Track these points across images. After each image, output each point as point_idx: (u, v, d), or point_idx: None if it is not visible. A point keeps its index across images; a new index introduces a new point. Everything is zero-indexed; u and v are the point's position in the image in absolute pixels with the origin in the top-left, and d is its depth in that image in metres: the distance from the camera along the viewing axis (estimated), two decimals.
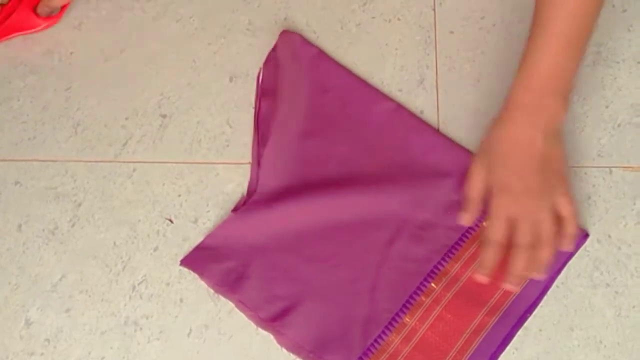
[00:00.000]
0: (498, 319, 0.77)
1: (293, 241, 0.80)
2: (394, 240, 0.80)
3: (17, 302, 0.78)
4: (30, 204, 0.82)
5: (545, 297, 0.78)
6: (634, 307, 0.78)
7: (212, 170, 0.83)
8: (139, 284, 0.79)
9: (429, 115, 0.85)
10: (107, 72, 0.87)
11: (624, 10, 0.89)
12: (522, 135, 0.75)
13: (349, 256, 0.79)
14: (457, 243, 0.80)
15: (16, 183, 0.83)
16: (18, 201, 0.82)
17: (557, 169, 0.76)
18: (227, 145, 0.84)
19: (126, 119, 0.85)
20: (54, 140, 0.84)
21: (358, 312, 0.77)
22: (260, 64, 0.87)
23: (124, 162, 0.83)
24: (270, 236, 0.80)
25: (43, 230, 0.81)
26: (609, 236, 0.80)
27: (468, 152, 0.83)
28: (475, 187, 0.78)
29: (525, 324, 0.77)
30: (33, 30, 0.88)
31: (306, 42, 0.87)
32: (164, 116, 0.85)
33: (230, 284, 0.78)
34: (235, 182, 0.83)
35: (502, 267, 0.78)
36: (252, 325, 0.77)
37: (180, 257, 0.80)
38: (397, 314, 0.77)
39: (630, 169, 0.83)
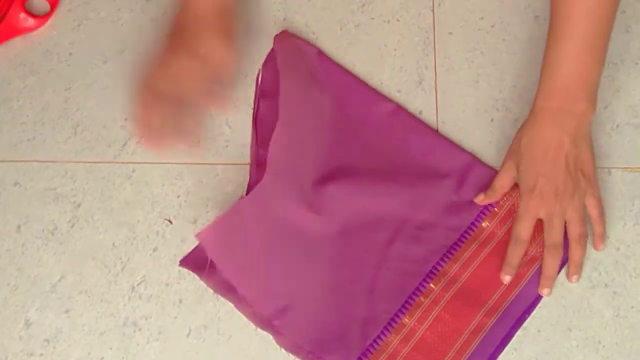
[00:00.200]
0: (497, 320, 0.77)
1: (292, 241, 0.80)
2: (393, 241, 0.80)
3: (16, 302, 0.78)
4: (29, 205, 0.82)
5: (543, 298, 0.78)
6: (632, 307, 0.78)
7: (211, 171, 0.83)
8: (138, 285, 0.79)
9: (428, 116, 0.85)
10: (106, 73, 0.87)
11: (623, 12, 0.89)
12: (549, 138, 0.76)
13: (348, 256, 0.79)
14: (456, 244, 0.80)
15: (15, 184, 0.83)
16: (17, 202, 0.82)
17: (586, 171, 0.77)
18: (227, 146, 0.84)
19: (125, 119, 0.85)
20: (54, 141, 0.84)
21: (357, 312, 0.77)
22: (259, 65, 0.87)
23: (123, 162, 0.83)
24: (270, 236, 0.80)
25: (42, 231, 0.81)
26: (608, 237, 0.80)
27: (467, 153, 0.83)
28: (502, 182, 0.79)
29: (524, 325, 0.77)
30: (29, 30, 0.88)
31: (305, 43, 0.87)
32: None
33: (229, 284, 0.78)
34: (234, 183, 0.83)
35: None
36: (251, 325, 0.77)
37: (180, 258, 0.80)
38: (396, 315, 0.77)
39: (629, 169, 0.83)
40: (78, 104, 0.86)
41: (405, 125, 0.84)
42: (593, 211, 0.78)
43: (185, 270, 0.79)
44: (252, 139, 0.84)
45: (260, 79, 0.86)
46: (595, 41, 0.74)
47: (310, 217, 0.80)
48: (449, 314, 0.77)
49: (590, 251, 0.79)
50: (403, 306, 0.78)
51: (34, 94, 0.86)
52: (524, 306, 0.78)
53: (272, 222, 0.80)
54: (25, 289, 0.79)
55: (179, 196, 0.82)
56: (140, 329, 0.78)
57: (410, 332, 0.77)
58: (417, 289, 0.78)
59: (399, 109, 0.85)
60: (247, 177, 0.83)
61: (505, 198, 0.80)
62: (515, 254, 0.77)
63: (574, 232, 0.77)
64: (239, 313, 0.78)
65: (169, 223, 0.81)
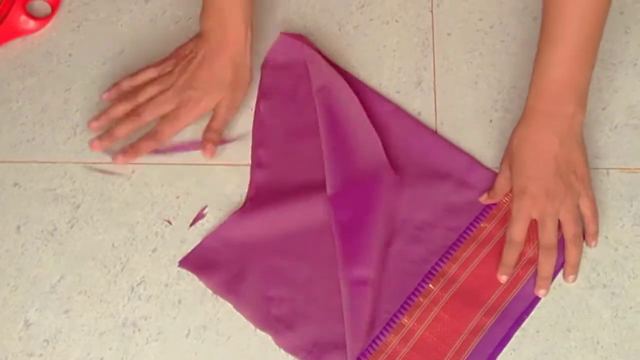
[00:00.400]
0: (495, 320, 0.77)
1: (291, 242, 0.80)
2: (393, 241, 0.80)
3: (16, 303, 0.79)
4: (29, 206, 0.82)
5: (542, 298, 0.78)
6: (630, 308, 0.78)
7: (210, 171, 0.83)
8: (137, 285, 0.79)
9: (427, 116, 0.85)
10: (105, 73, 0.87)
11: (621, 13, 0.89)
12: (539, 140, 0.77)
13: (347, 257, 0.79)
14: (454, 244, 0.80)
15: (15, 184, 0.83)
16: (17, 203, 0.82)
17: (578, 172, 0.77)
18: (226, 147, 0.84)
19: None
20: (53, 142, 0.85)
21: None
22: (258, 67, 0.87)
23: (122, 163, 0.83)
24: (269, 237, 0.80)
25: (42, 231, 0.81)
26: (606, 237, 0.80)
27: (466, 154, 0.83)
28: (501, 183, 0.80)
29: (523, 325, 0.77)
30: (29, 32, 0.88)
31: (305, 44, 0.87)
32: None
33: (228, 284, 0.78)
34: (233, 184, 0.83)
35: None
36: (251, 326, 0.78)
37: (179, 259, 0.80)
38: (395, 315, 0.77)
39: (627, 170, 0.83)
40: (77, 105, 0.86)
41: (404, 127, 0.84)
42: (586, 211, 0.78)
43: (184, 271, 0.79)
44: (252, 139, 0.84)
45: (259, 79, 0.87)
46: (585, 45, 0.74)
47: (308, 219, 0.80)
48: (448, 314, 0.77)
49: (589, 252, 0.80)
50: (402, 306, 0.78)
51: (34, 95, 0.87)
52: (522, 306, 0.78)
53: (268, 226, 0.80)
54: (25, 290, 0.79)
55: (178, 197, 0.82)
56: (139, 330, 0.78)
57: (409, 333, 0.77)
58: (416, 289, 0.78)
59: (398, 110, 0.85)
60: (247, 178, 0.83)
61: (504, 199, 0.81)
62: (510, 256, 0.78)
63: (568, 232, 0.77)
64: (238, 314, 0.78)
65: (168, 224, 0.81)
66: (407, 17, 0.90)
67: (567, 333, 0.77)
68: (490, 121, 0.85)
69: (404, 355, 0.76)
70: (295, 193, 0.81)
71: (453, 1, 0.90)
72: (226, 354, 0.77)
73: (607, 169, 0.83)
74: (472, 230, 0.80)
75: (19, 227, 0.81)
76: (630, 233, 0.81)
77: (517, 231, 0.77)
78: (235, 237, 0.80)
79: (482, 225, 0.80)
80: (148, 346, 0.77)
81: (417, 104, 0.86)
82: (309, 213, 0.80)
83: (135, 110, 0.81)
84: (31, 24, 0.88)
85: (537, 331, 0.77)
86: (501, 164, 0.81)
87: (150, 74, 0.83)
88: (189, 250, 0.80)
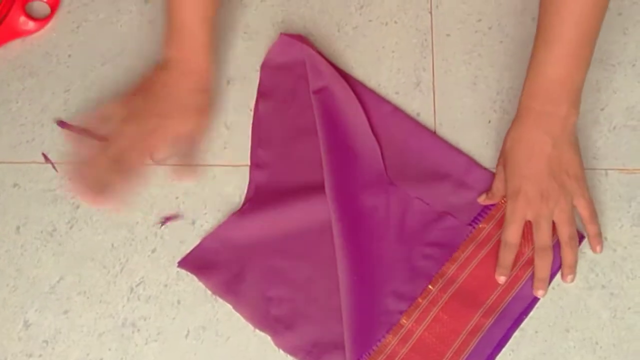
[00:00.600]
0: (494, 321, 0.77)
1: (290, 243, 0.80)
2: (392, 242, 0.80)
3: (15, 303, 0.79)
4: (28, 206, 0.82)
5: (541, 299, 0.78)
6: (629, 308, 0.78)
7: (209, 172, 0.83)
8: (136, 286, 0.79)
9: (426, 117, 0.85)
10: (105, 74, 0.87)
11: (620, 14, 0.89)
12: (533, 140, 0.77)
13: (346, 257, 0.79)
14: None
15: (14, 185, 0.83)
16: (16, 203, 0.82)
17: (571, 172, 0.77)
18: (225, 148, 0.84)
19: None
20: (53, 143, 0.85)
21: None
22: (257, 67, 0.87)
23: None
24: (268, 238, 0.80)
25: (41, 232, 0.81)
26: (605, 238, 0.80)
27: (465, 155, 0.83)
28: (498, 185, 0.80)
29: (522, 326, 0.78)
30: (28, 33, 0.88)
31: (304, 44, 0.87)
32: None
33: (227, 285, 0.78)
34: (232, 185, 0.83)
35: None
36: (250, 326, 0.78)
37: (178, 259, 0.80)
38: (394, 315, 0.77)
39: (626, 171, 0.83)
40: (77, 106, 0.86)
41: (403, 127, 0.84)
42: (584, 212, 0.78)
43: (183, 272, 0.79)
44: (252, 140, 0.84)
45: (258, 80, 0.87)
46: (582, 44, 0.74)
47: (308, 219, 0.80)
48: (446, 314, 0.77)
49: (588, 252, 0.80)
50: (401, 307, 0.78)
51: (33, 96, 0.87)
52: (521, 307, 0.78)
53: (268, 226, 0.80)
54: (25, 290, 0.79)
55: (177, 198, 0.82)
56: (138, 330, 0.78)
57: (408, 333, 0.77)
58: (416, 289, 0.78)
59: (397, 110, 0.85)
60: (246, 179, 0.83)
61: (502, 200, 0.81)
62: (506, 258, 0.78)
63: (563, 234, 0.77)
64: (237, 314, 0.78)
65: (165, 224, 0.81)
66: (406, 18, 0.90)
67: (566, 333, 0.77)
68: (489, 122, 0.85)
69: (403, 355, 0.76)
70: (294, 193, 0.81)
71: (452, 2, 0.90)
72: (225, 355, 0.77)
73: (605, 169, 0.83)
74: (470, 231, 0.80)
75: (18, 228, 0.81)
76: (629, 234, 0.81)
77: (512, 233, 0.77)
78: (234, 238, 0.80)
79: (480, 225, 0.80)
80: (147, 347, 0.77)
81: (416, 104, 0.86)
82: (309, 213, 0.80)
83: (104, 149, 0.76)
84: (30, 24, 0.88)
85: (536, 331, 0.78)
86: (497, 165, 0.81)
87: (115, 109, 0.78)
88: (188, 251, 0.80)
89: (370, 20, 0.90)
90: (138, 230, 0.81)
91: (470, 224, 0.80)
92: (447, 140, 0.84)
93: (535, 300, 0.78)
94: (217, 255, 0.80)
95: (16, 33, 0.88)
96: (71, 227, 0.81)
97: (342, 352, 0.76)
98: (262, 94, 0.86)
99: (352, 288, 0.77)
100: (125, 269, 0.80)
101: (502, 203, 0.81)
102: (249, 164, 0.83)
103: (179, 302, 0.79)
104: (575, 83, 0.76)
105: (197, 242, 0.80)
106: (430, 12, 0.90)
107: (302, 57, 0.86)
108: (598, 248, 0.78)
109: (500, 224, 0.80)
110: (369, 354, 0.76)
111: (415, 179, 0.82)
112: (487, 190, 0.81)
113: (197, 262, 0.79)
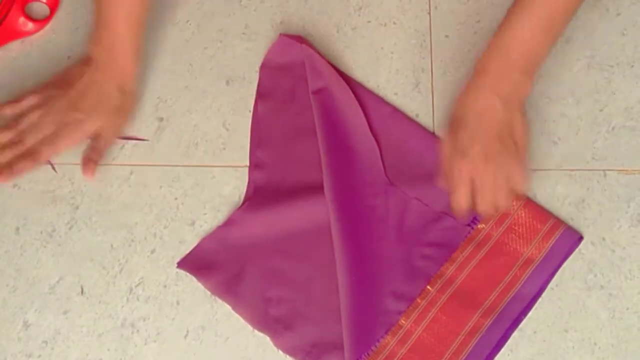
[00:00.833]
0: (493, 321, 0.77)
1: (290, 243, 0.80)
2: (391, 242, 0.80)
3: (15, 304, 0.79)
4: (28, 207, 0.82)
5: (539, 299, 0.78)
6: (627, 309, 0.78)
7: (208, 173, 0.83)
8: (136, 287, 0.79)
9: (425, 118, 0.86)
10: None
11: (618, 14, 0.89)
12: (484, 101, 0.76)
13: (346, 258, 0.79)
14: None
15: (14, 186, 0.83)
16: (16, 204, 0.82)
17: (517, 139, 0.76)
18: (224, 148, 0.84)
19: None
20: None
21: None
22: (257, 68, 0.87)
23: (120, 165, 0.83)
24: (267, 238, 0.80)
25: (41, 233, 0.81)
26: (603, 239, 0.80)
27: None
28: (444, 150, 0.78)
29: (520, 326, 0.78)
30: (28, 34, 0.88)
31: (304, 45, 0.87)
32: (161, 119, 0.85)
33: (227, 285, 0.78)
34: (231, 185, 0.83)
35: (498, 269, 0.79)
36: (249, 327, 0.78)
37: (177, 260, 0.80)
38: (393, 316, 0.77)
39: (625, 171, 0.83)
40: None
41: (402, 128, 0.85)
42: (515, 179, 0.76)
43: (183, 272, 0.80)
44: (251, 140, 0.84)
45: (258, 80, 0.87)
46: (553, 21, 0.74)
47: (307, 219, 0.80)
48: (445, 315, 0.77)
49: (586, 253, 0.80)
50: (400, 307, 0.78)
51: None
52: (520, 307, 0.78)
53: (267, 226, 0.80)
54: (24, 290, 0.79)
55: (176, 198, 0.83)
56: (138, 330, 0.78)
57: (407, 334, 0.77)
58: (414, 290, 0.78)
59: (396, 111, 0.85)
60: (245, 180, 0.83)
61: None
62: (458, 213, 0.77)
63: (499, 199, 0.76)
64: (237, 315, 0.78)
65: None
66: (405, 19, 0.90)
67: (565, 334, 0.77)
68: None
69: (402, 356, 0.76)
70: (294, 194, 0.81)
71: (450, 3, 0.90)
72: (224, 355, 0.77)
73: (604, 170, 0.83)
74: (469, 232, 0.80)
75: (18, 229, 0.81)
76: (628, 234, 0.81)
77: (462, 196, 0.76)
78: (233, 238, 0.80)
79: (479, 226, 0.81)
80: (147, 347, 0.77)
81: (414, 105, 0.86)
82: (308, 213, 0.81)
83: (18, 136, 0.79)
84: (30, 25, 0.88)
85: (535, 332, 0.78)
86: (444, 127, 0.79)
87: (33, 100, 0.81)
88: (187, 251, 0.80)
89: (369, 21, 0.90)
90: (137, 230, 0.81)
91: (468, 225, 0.81)
92: None
93: (534, 300, 0.78)
94: (217, 256, 0.80)
95: (16, 34, 0.88)
96: (70, 228, 0.81)
97: (341, 352, 0.76)
98: (262, 94, 0.86)
99: (351, 288, 0.77)
100: (125, 269, 0.80)
101: None
102: (248, 164, 0.84)
103: (178, 302, 0.79)
104: (536, 55, 0.75)
105: (196, 242, 0.80)
106: (429, 13, 0.90)
107: (301, 58, 0.86)
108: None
109: (499, 224, 0.80)
110: (368, 354, 0.76)
111: (414, 179, 0.82)
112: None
113: (196, 263, 0.79)
